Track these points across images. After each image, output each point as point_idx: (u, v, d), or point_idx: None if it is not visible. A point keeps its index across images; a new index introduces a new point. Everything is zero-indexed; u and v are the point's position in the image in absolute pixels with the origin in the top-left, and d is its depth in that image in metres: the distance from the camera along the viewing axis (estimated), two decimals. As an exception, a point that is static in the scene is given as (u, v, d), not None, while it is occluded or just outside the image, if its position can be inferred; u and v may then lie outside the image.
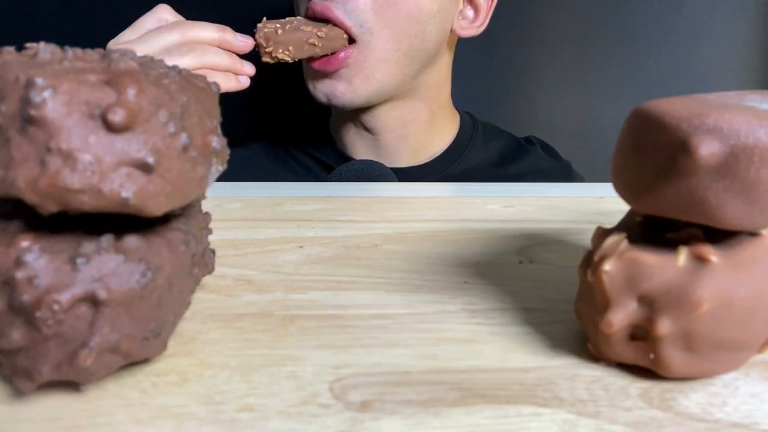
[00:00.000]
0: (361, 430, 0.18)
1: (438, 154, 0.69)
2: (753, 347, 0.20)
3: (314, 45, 0.55)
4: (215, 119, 0.21)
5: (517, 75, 0.89)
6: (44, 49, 0.18)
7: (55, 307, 0.17)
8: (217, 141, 0.20)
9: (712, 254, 0.19)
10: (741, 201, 0.18)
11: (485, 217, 0.38)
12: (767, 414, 0.19)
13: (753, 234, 0.20)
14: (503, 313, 0.25)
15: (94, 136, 0.17)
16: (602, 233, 0.22)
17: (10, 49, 0.18)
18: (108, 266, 0.18)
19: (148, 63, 0.20)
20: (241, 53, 0.53)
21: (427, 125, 0.68)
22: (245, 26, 0.55)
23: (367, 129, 0.67)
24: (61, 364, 0.18)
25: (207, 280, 0.28)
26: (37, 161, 0.16)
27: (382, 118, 0.66)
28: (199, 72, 0.34)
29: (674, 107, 0.19)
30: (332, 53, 0.57)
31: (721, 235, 0.20)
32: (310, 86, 0.62)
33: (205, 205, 0.30)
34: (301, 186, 0.46)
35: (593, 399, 0.20)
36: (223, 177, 0.25)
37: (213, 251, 0.24)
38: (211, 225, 0.25)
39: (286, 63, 0.56)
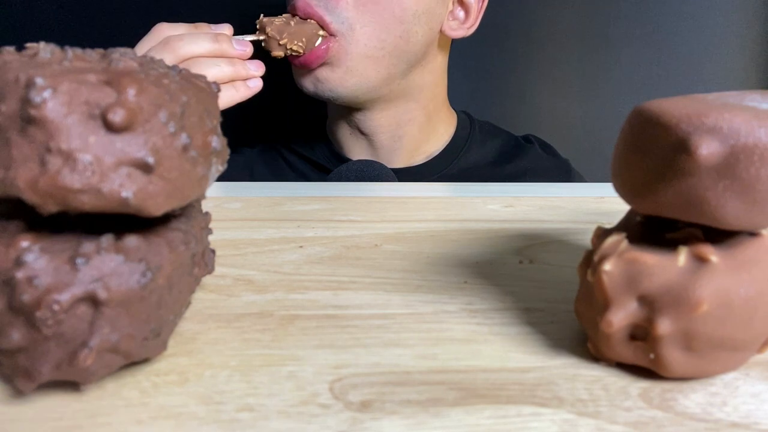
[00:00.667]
0: (361, 430, 0.18)
1: (435, 154, 0.69)
2: (753, 347, 0.20)
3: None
4: (215, 119, 0.21)
5: (516, 74, 0.89)
6: (44, 49, 0.18)
7: (55, 307, 0.17)
8: (217, 141, 0.20)
9: (712, 254, 0.19)
10: (741, 201, 0.18)
11: (485, 217, 0.38)
12: (767, 414, 0.19)
13: (753, 234, 0.20)
14: (503, 313, 0.25)
15: (94, 136, 0.17)
16: (602, 233, 0.22)
17: (10, 49, 0.18)
18: (108, 266, 0.18)
19: (148, 63, 0.20)
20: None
21: (422, 126, 0.68)
22: (244, 23, 0.55)
23: (361, 130, 0.67)
24: (61, 364, 0.18)
25: (207, 280, 0.28)
26: (37, 161, 0.16)
27: (375, 119, 0.66)
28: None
29: (674, 107, 0.19)
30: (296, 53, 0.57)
31: (721, 235, 0.20)
32: (298, 83, 0.63)
33: (205, 205, 0.30)
34: (301, 186, 0.46)
35: (593, 399, 0.20)
36: (221, 180, 0.25)
37: (213, 251, 0.24)
38: (211, 225, 0.25)
39: (283, 66, 0.56)
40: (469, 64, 0.86)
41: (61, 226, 0.18)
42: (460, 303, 0.26)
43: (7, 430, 0.18)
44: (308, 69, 0.59)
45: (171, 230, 0.20)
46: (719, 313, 0.19)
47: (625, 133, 0.21)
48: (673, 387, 0.20)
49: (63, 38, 0.27)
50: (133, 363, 0.20)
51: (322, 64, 0.59)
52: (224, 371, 0.21)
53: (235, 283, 0.27)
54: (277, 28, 0.55)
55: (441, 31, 0.64)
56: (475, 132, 0.72)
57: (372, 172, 0.58)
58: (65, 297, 0.17)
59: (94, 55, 0.19)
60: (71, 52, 0.18)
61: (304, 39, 0.56)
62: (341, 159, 0.69)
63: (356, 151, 0.69)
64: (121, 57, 0.19)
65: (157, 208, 0.18)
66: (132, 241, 0.18)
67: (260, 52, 0.55)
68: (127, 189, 0.17)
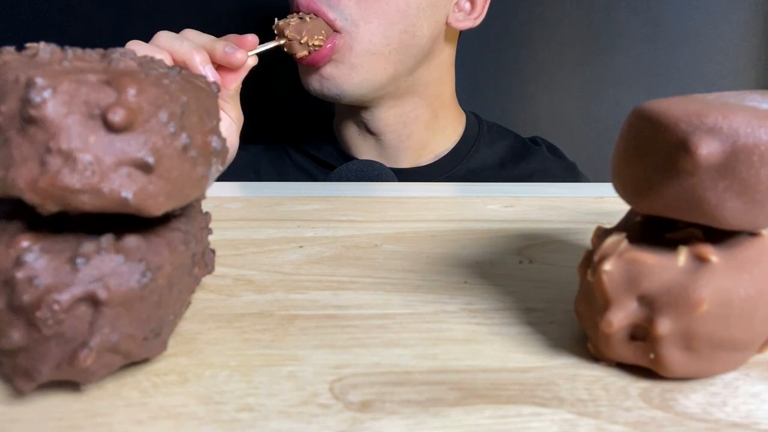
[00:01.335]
0: (361, 430, 0.18)
1: (443, 154, 0.69)
2: (753, 347, 0.20)
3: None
4: (215, 119, 0.21)
5: (518, 75, 0.89)
6: (44, 49, 0.18)
7: (55, 307, 0.17)
8: (217, 141, 0.20)
9: (712, 254, 0.19)
10: (741, 201, 0.18)
11: (485, 217, 0.38)
12: (767, 414, 0.19)
13: (753, 234, 0.20)
14: (503, 313, 0.25)
15: (94, 136, 0.17)
16: (602, 233, 0.22)
17: (10, 49, 0.18)
18: (108, 266, 0.18)
19: (148, 63, 0.20)
20: (235, 67, 0.49)
21: (429, 124, 0.68)
22: (244, 25, 0.55)
23: (369, 129, 0.67)
24: (61, 364, 0.18)
25: (207, 280, 0.28)
26: (37, 161, 0.16)
27: (382, 117, 0.66)
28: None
29: (674, 107, 0.19)
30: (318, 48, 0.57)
31: (721, 235, 0.20)
32: (304, 82, 0.62)
33: (205, 205, 0.30)
34: (301, 186, 0.46)
35: (593, 399, 0.20)
36: (223, 178, 0.25)
37: (213, 251, 0.24)
38: (211, 225, 0.25)
39: (290, 65, 0.56)
40: (473, 65, 0.85)
41: (61, 226, 0.18)
42: (460, 303, 0.26)
43: (7, 430, 0.18)
44: (315, 67, 0.59)
45: (171, 230, 0.20)
46: (719, 313, 0.19)
47: (625, 133, 0.21)
48: (673, 387, 0.20)
49: (63, 38, 0.27)
50: (133, 363, 0.20)
51: (328, 62, 0.58)
52: (224, 371, 0.21)
53: (235, 283, 0.27)
54: (295, 28, 0.54)
55: (447, 24, 0.63)
56: (484, 133, 0.71)
57: (372, 172, 0.58)
58: (65, 297, 0.17)
59: (94, 55, 0.19)
60: (71, 52, 0.18)
61: (323, 31, 0.56)
62: (348, 158, 0.69)
63: (364, 150, 0.69)
64: (121, 57, 0.19)
65: (157, 208, 0.18)
66: (132, 241, 0.18)
67: (281, 55, 0.54)
68: (127, 189, 0.17)
